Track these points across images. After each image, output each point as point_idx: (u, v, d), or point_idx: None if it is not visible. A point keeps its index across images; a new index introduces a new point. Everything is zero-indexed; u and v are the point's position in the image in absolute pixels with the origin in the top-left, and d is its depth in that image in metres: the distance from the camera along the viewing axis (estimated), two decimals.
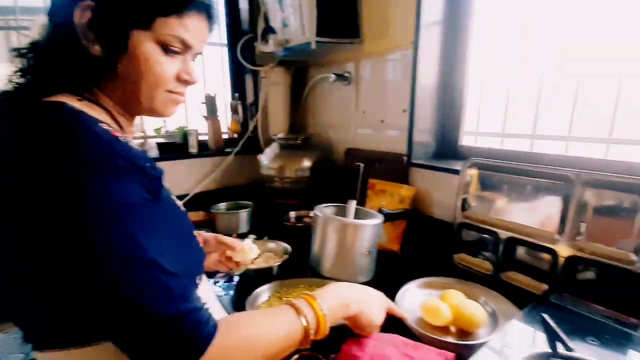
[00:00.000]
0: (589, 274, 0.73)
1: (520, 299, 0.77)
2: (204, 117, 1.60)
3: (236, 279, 0.93)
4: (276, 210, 1.32)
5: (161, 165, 0.46)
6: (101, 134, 0.40)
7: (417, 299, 0.76)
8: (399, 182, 1.14)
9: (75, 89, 0.44)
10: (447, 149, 1.18)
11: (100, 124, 0.42)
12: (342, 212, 0.97)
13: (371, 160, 1.24)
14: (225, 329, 0.41)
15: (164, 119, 1.56)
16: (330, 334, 0.53)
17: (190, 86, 0.52)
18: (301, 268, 0.97)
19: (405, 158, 1.14)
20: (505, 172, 0.87)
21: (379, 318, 0.58)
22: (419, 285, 0.82)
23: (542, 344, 0.50)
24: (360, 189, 0.94)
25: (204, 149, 1.57)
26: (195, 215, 1.35)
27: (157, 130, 1.56)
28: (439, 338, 0.61)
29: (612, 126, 0.85)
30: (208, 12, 0.49)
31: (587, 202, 0.73)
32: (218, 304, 0.65)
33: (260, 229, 1.27)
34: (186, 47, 0.48)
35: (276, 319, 0.47)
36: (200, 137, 1.61)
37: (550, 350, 0.48)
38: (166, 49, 0.46)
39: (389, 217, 0.94)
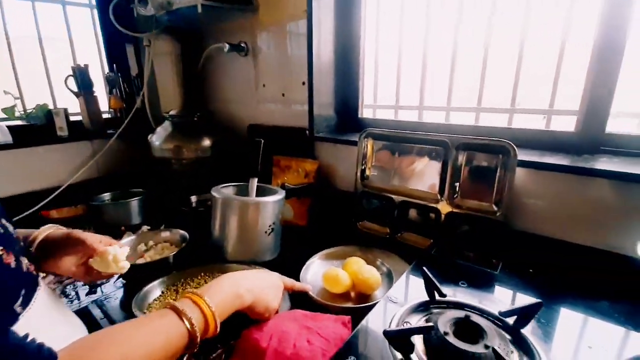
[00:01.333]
0: (464, 226, 0.83)
1: (412, 256, 0.84)
2: (75, 93, 1.34)
3: (111, 284, 0.81)
4: (174, 196, 1.19)
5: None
6: None
7: (320, 270, 0.77)
8: (303, 157, 1.13)
9: None
10: (348, 122, 1.21)
11: None
12: (244, 192, 0.92)
13: (275, 136, 1.20)
14: (70, 356, 0.34)
15: (17, 95, 1.25)
16: (232, 320, 0.50)
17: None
18: (203, 255, 0.90)
19: (307, 132, 1.13)
20: (396, 141, 0.93)
21: (275, 302, 0.57)
22: (322, 257, 0.84)
23: (423, 294, 0.54)
24: (262, 166, 0.89)
25: (78, 132, 1.32)
26: (70, 211, 1.14)
27: (8, 109, 1.25)
28: (339, 305, 0.63)
29: (480, 95, 0.96)
30: None
31: (460, 165, 0.82)
32: (79, 325, 0.56)
33: (156, 218, 1.14)
34: None
35: (151, 329, 0.41)
36: (73, 118, 1.35)
37: (428, 299, 0.52)
38: None
39: (291, 193, 0.93)
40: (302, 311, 0.59)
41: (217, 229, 0.84)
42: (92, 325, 0.66)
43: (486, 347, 0.40)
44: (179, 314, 0.43)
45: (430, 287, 0.53)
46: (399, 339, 0.43)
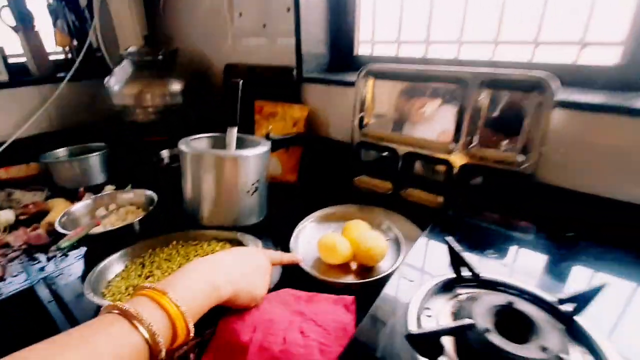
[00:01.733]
0: (480, 181, 0.71)
1: (421, 216, 0.73)
2: (13, 27, 1.10)
3: (72, 254, 0.68)
4: (142, 151, 1.03)
5: None
6: None
7: (314, 236, 0.66)
8: (290, 102, 0.96)
9: None
10: (342, 60, 1.02)
11: None
12: (221, 144, 0.77)
13: (256, 78, 1.02)
14: None
15: None
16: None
17: None
18: (175, 220, 0.77)
19: (295, 72, 0.95)
20: (402, 79, 0.76)
21: (261, 288, 0.45)
22: (316, 219, 0.72)
23: (446, 268, 0.43)
24: (242, 113, 0.74)
25: (21, 75, 1.11)
26: (20, 170, 0.98)
27: None
28: (338, 280, 0.52)
29: (498, 28, 0.79)
30: None
31: (480, 106, 0.67)
32: None
33: (122, 177, 0.99)
34: None
35: (89, 350, 0.28)
36: (13, 60, 1.13)
37: (455, 276, 0.41)
38: None
39: (277, 144, 0.78)
40: (294, 291, 0.48)
41: (189, 190, 0.71)
42: (36, 312, 0.54)
43: (543, 349, 0.30)
44: (132, 319, 0.31)
45: (456, 262, 0.41)
46: (426, 341, 0.32)
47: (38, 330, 0.56)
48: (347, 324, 0.42)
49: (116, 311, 0.31)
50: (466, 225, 0.60)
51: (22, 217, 0.80)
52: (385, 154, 0.83)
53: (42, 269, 0.64)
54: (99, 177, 0.97)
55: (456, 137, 0.72)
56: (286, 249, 0.64)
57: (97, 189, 0.92)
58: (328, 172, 0.95)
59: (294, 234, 0.65)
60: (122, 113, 1.06)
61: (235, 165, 0.67)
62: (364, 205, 0.78)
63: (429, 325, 0.36)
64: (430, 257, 0.50)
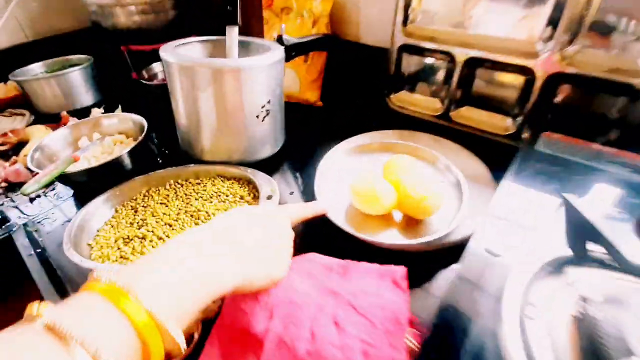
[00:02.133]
0: (576, 99, 0.51)
1: (481, 148, 0.56)
2: None
3: (63, 190, 0.58)
4: (127, 65, 0.85)
5: None
6: None
7: (344, 172, 0.52)
8: None
9: None
10: None
11: None
12: (219, 51, 0.58)
13: None
14: None
15: None
16: None
17: None
18: (173, 152, 0.64)
19: None
20: None
21: (283, 264, 0.31)
22: (346, 151, 0.56)
23: (547, 234, 0.29)
24: (245, 7, 0.54)
25: None
26: None
27: None
28: (380, 241, 0.39)
29: None
30: None
31: None
32: None
33: (111, 97, 0.84)
34: None
35: None
36: None
37: (573, 252, 0.27)
38: None
39: (293, 50, 0.58)
40: (321, 257, 0.36)
41: (182, 115, 0.55)
42: (17, 270, 0.46)
43: None
44: (66, 342, 0.19)
45: (583, 234, 0.26)
46: None
47: (17, 289, 0.49)
48: (399, 311, 0.30)
49: (45, 326, 0.19)
50: (564, 164, 0.42)
51: (1, 148, 0.69)
52: (436, 61, 0.63)
53: (22, 213, 0.54)
54: (84, 97, 0.82)
55: (550, 32, 0.50)
56: (308, 189, 0.51)
57: (83, 113, 0.78)
58: (358, 87, 0.75)
59: (318, 172, 0.50)
60: (100, 16, 0.85)
61: (237, 80, 0.50)
62: (405, 131, 0.61)
63: (544, 343, 0.22)
64: (518, 213, 0.35)
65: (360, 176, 0.44)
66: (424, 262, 0.38)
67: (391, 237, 0.41)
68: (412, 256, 0.39)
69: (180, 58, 0.50)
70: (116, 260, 0.41)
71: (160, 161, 0.63)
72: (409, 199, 0.41)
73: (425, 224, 0.43)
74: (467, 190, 0.44)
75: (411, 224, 0.43)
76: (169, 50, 0.52)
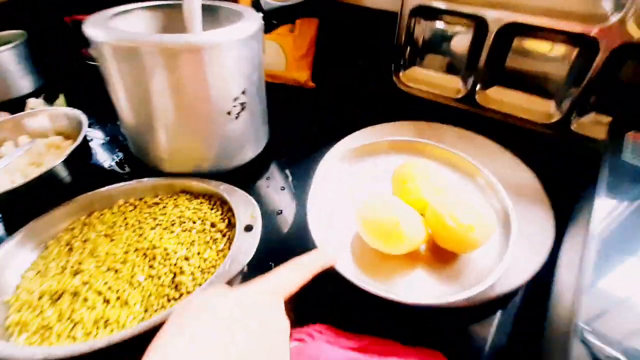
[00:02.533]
0: None
1: (520, 141, 0.44)
2: None
3: None
4: (71, 39, 0.69)
5: None
6: None
7: (345, 186, 0.39)
8: None
9: None
10: None
11: None
12: (175, 23, 0.44)
13: None
14: None
15: None
16: None
17: None
18: (127, 159, 0.50)
19: None
20: None
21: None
22: (346, 154, 0.43)
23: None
24: None
25: None
26: None
27: None
28: (406, 300, 0.27)
29: None
30: None
31: None
32: None
33: (55, 83, 0.68)
34: None
35: None
36: None
37: None
38: None
39: (275, 16, 0.43)
40: (336, 334, 0.24)
41: (127, 113, 0.41)
42: None
43: None
44: None
45: None
46: None
47: None
48: None
49: None
50: None
51: None
52: (459, 27, 0.49)
53: None
54: (20, 84, 0.66)
55: None
56: (301, 199, 0.39)
57: (18, 105, 0.62)
58: (359, 63, 0.61)
59: (312, 189, 0.38)
60: None
61: (199, 64, 0.36)
62: (421, 122, 0.49)
63: None
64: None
65: (371, 200, 0.32)
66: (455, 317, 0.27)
67: (417, 284, 0.30)
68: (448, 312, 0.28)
69: (116, 35, 0.36)
70: (36, 333, 0.29)
71: (111, 169, 0.49)
72: (447, 231, 0.29)
73: (459, 259, 0.31)
74: (516, 219, 0.32)
75: (440, 258, 0.31)
76: (100, 24, 0.37)
